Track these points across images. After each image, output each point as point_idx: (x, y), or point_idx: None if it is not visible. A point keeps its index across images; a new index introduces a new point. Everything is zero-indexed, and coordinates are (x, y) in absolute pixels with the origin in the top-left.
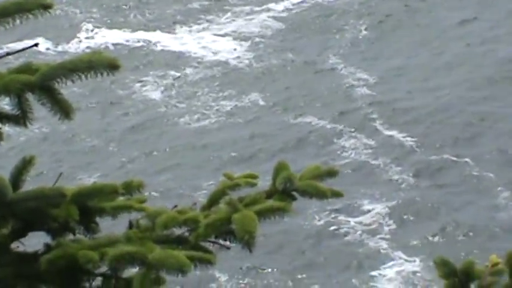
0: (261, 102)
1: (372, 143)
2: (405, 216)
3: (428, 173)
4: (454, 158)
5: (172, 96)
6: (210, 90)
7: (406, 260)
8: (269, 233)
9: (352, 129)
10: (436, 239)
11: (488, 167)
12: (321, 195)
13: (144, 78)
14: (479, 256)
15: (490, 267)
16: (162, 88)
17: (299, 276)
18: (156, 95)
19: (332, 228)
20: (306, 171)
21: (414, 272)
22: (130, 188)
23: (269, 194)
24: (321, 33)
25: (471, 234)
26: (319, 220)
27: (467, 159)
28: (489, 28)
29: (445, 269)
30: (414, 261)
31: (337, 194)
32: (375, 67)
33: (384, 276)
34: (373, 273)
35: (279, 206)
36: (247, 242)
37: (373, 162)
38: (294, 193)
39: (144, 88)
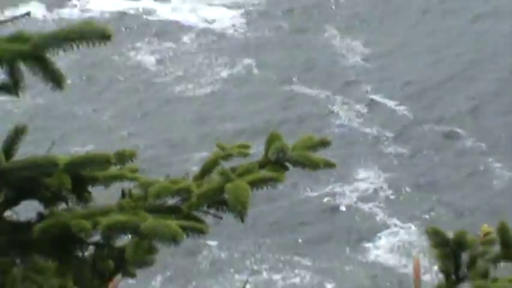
0: (255, 71)
1: (368, 113)
2: (401, 186)
3: (427, 146)
4: (454, 131)
5: (166, 64)
6: (205, 58)
7: (401, 228)
8: (263, 205)
9: (348, 100)
10: (432, 209)
11: (488, 143)
12: (313, 165)
13: (139, 45)
14: (472, 228)
15: (482, 236)
16: (157, 56)
17: (293, 248)
18: (150, 62)
19: (326, 199)
20: (298, 142)
21: (410, 242)
22: (122, 158)
23: (262, 165)
24: (318, 3)
25: (466, 207)
26: (312, 191)
27: (467, 134)
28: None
29: (437, 238)
30: (409, 229)
31: (330, 165)
32: (374, 37)
33: (379, 245)
34: (368, 243)
35: (271, 176)
36: (240, 212)
37: (369, 132)
38: (287, 163)
39: (139, 56)
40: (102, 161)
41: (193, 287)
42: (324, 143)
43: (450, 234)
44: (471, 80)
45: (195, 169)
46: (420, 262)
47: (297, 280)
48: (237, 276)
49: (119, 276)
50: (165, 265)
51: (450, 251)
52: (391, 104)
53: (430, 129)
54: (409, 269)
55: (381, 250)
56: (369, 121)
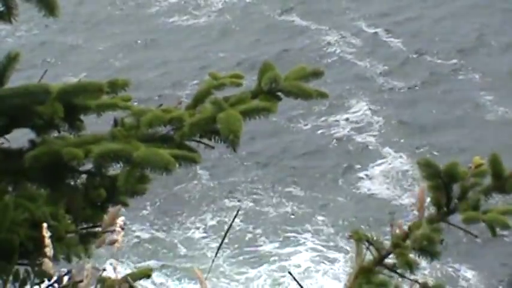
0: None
1: (364, 47)
2: (393, 116)
3: (414, 69)
4: (452, 69)
5: None
6: None
7: (394, 158)
8: (256, 136)
9: (344, 33)
10: (424, 144)
11: (485, 82)
12: (306, 95)
13: None
14: (463, 150)
15: (474, 168)
16: None
17: (285, 179)
18: None
19: (319, 129)
20: (291, 72)
21: (403, 171)
22: (115, 87)
23: (254, 94)
24: None
25: (458, 128)
26: (305, 121)
27: (463, 72)
28: None
29: (429, 170)
30: (401, 158)
31: (322, 95)
32: None
33: (372, 174)
34: (361, 172)
35: (264, 105)
36: (232, 141)
37: (361, 64)
38: (279, 93)
39: None
40: (94, 90)
41: (184, 216)
42: (317, 73)
43: (442, 166)
44: (470, 19)
45: (187, 99)
46: (424, 190)
47: (288, 210)
48: (228, 204)
49: (118, 206)
50: (155, 194)
51: (441, 182)
52: (389, 39)
53: (426, 65)
54: (403, 201)
55: (374, 180)
56: (363, 54)
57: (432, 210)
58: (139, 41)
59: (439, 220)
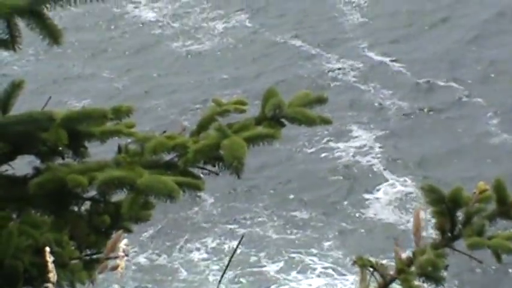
0: (249, 24)
1: (365, 71)
2: (398, 142)
3: (420, 96)
4: (458, 97)
5: (164, 19)
6: (201, 12)
7: (398, 182)
8: (259, 161)
9: (348, 59)
10: (429, 161)
11: (492, 111)
12: (310, 122)
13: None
14: (468, 178)
15: (478, 193)
16: (156, 9)
17: (289, 204)
18: (149, 16)
19: (323, 154)
20: (295, 98)
21: (408, 196)
22: (119, 113)
23: (258, 121)
24: None
25: (463, 156)
26: (309, 147)
27: (469, 101)
28: None
29: (433, 195)
30: (405, 182)
31: (326, 121)
32: None
33: (376, 199)
34: (366, 195)
35: (267, 132)
36: (236, 168)
37: (365, 89)
38: (283, 120)
39: (137, 9)
40: (98, 116)
41: (186, 240)
42: (321, 100)
43: (446, 191)
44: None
45: (192, 126)
46: (421, 214)
47: (292, 234)
48: (231, 229)
49: (120, 232)
50: (157, 219)
51: (446, 208)
52: (395, 66)
53: (432, 92)
54: (408, 226)
55: (379, 205)
56: (368, 80)
57: (436, 235)
58: (142, 67)
59: (444, 246)
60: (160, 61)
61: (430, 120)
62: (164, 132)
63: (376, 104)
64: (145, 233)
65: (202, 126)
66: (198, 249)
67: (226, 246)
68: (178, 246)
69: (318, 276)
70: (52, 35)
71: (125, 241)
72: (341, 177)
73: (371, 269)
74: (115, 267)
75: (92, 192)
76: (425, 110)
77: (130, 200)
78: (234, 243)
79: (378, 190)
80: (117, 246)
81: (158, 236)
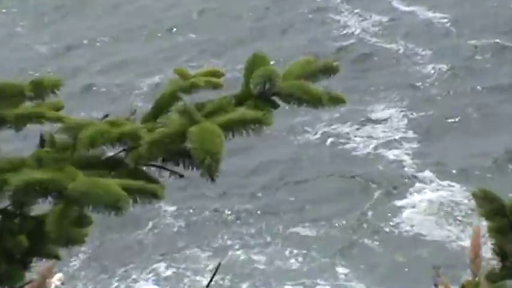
0: None
1: (391, 25)
2: (433, 126)
3: (461, 60)
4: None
5: None
6: None
7: (440, 184)
8: (240, 156)
9: (357, 5)
10: (483, 159)
11: None
12: (313, 100)
13: None
14: None
15: None
16: None
17: (286, 214)
18: None
19: (332, 146)
20: (292, 67)
21: (454, 202)
22: (41, 89)
23: (240, 99)
24: None
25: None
26: (313, 134)
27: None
28: None
29: (489, 205)
30: (450, 184)
31: (337, 100)
32: None
33: (410, 206)
34: (395, 204)
35: (253, 116)
36: (209, 167)
37: (388, 46)
38: (276, 98)
39: None
40: (12, 94)
41: (131, 268)
42: (329, 69)
43: (507, 200)
44: None
45: (145, 106)
46: (480, 232)
47: (293, 258)
48: (201, 256)
49: (51, 262)
50: (95, 237)
51: (507, 223)
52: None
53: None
54: (454, 245)
55: (413, 215)
56: (391, 35)
57: (494, 260)
58: (77, 26)
59: (504, 277)
60: (105, 16)
61: (486, 103)
62: (106, 116)
63: (408, 76)
64: (77, 260)
65: (161, 107)
66: (150, 281)
67: (192, 278)
68: (122, 278)
69: None
70: None
71: (58, 276)
72: (358, 176)
73: None
74: None
75: (3, 203)
76: (480, 88)
77: (58, 212)
78: (204, 274)
79: (412, 193)
80: (47, 285)
81: (95, 263)
